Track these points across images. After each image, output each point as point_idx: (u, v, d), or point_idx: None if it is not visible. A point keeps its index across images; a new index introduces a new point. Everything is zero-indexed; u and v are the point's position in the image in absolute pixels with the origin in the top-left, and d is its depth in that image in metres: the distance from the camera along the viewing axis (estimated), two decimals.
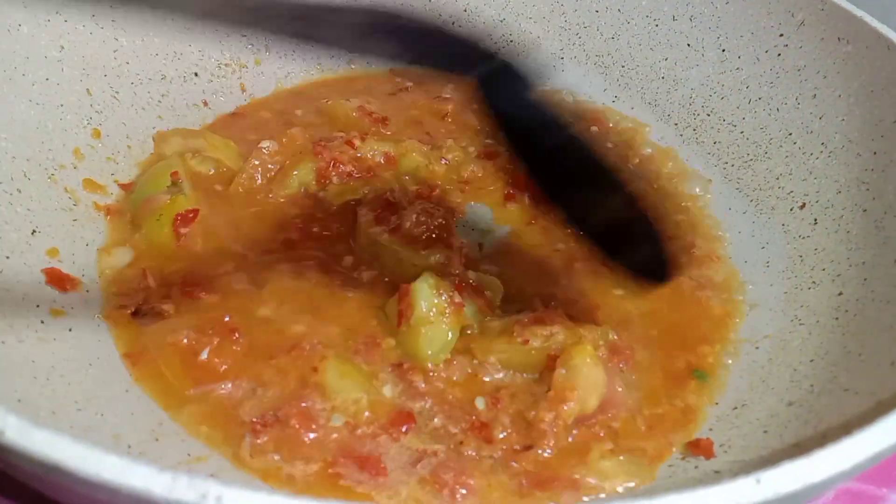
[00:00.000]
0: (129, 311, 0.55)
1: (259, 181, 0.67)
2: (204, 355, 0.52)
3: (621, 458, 0.49)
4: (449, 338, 0.54)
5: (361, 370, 0.53)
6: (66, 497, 0.36)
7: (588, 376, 0.51)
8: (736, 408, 0.53)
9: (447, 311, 0.54)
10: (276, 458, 0.47)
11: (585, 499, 0.47)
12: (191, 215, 0.61)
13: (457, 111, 0.79)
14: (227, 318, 0.54)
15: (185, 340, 0.52)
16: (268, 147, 0.68)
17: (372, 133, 0.74)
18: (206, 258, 0.60)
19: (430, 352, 0.53)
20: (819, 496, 0.49)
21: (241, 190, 0.66)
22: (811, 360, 0.53)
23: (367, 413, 0.50)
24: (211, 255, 0.61)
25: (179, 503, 0.28)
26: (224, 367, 0.52)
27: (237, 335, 0.53)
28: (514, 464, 0.48)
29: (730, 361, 0.57)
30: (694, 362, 0.56)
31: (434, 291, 0.55)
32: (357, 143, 0.69)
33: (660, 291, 0.60)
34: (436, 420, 0.51)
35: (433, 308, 0.54)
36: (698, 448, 0.49)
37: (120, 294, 0.57)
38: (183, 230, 0.60)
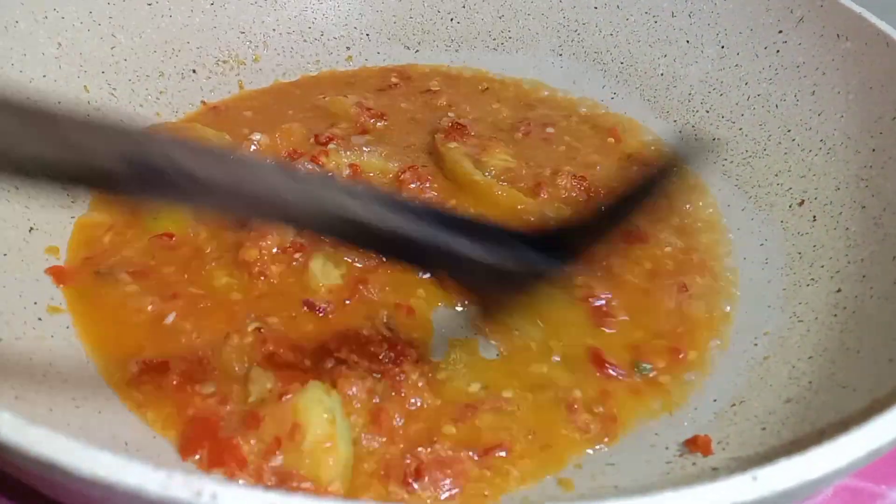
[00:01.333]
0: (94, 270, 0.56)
1: None
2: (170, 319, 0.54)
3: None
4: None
5: None
6: (63, 495, 0.36)
7: None
8: (734, 405, 0.53)
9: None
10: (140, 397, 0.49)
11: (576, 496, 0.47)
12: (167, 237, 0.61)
13: (453, 103, 0.80)
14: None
15: (151, 308, 0.54)
16: (258, 139, 0.67)
17: (369, 130, 0.74)
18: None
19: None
20: (817, 493, 0.49)
21: None
22: (809, 357, 0.53)
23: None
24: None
25: (175, 501, 0.28)
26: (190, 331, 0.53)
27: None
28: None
29: (718, 354, 0.56)
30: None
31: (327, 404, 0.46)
32: (323, 159, 0.66)
33: (648, 293, 0.60)
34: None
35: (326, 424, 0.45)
36: (696, 445, 0.49)
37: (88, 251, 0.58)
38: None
